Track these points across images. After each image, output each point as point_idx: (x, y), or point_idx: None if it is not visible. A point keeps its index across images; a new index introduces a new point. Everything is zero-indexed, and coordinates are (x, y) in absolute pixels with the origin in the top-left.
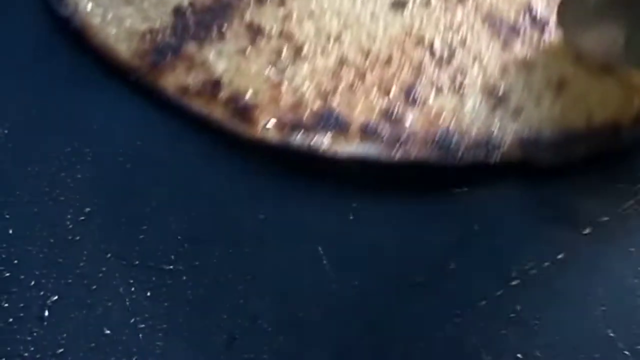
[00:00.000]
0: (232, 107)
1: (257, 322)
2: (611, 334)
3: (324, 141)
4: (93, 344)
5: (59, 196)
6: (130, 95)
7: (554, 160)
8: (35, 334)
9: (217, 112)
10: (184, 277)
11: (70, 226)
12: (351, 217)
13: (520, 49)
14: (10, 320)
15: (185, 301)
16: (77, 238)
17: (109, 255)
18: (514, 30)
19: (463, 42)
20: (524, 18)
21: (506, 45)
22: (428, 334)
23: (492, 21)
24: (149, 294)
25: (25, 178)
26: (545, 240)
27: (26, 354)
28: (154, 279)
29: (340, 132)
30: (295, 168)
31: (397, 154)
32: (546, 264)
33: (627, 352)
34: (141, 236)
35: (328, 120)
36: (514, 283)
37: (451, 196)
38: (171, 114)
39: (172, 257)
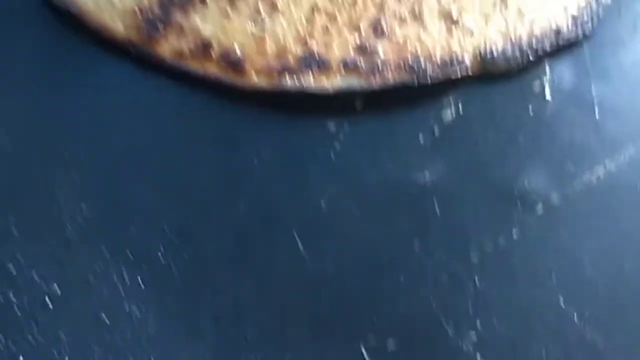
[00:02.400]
0: (224, 63)
1: (239, 303)
2: (562, 303)
3: (309, 81)
4: (92, 328)
5: (56, 195)
6: (129, 75)
7: (508, 68)
8: (40, 321)
9: (212, 69)
10: (172, 267)
11: (68, 225)
12: (323, 206)
13: None
14: (18, 311)
15: (173, 288)
16: (74, 236)
17: (103, 250)
18: None
19: None
20: None
21: None
22: (395, 309)
23: None
24: (140, 282)
25: (26, 180)
26: (501, 220)
27: (33, 340)
28: (145, 270)
29: (322, 71)
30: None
31: (376, 82)
32: (501, 240)
33: (575, 317)
34: (132, 232)
35: (310, 62)
36: (472, 260)
37: (414, 182)
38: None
39: (161, 249)
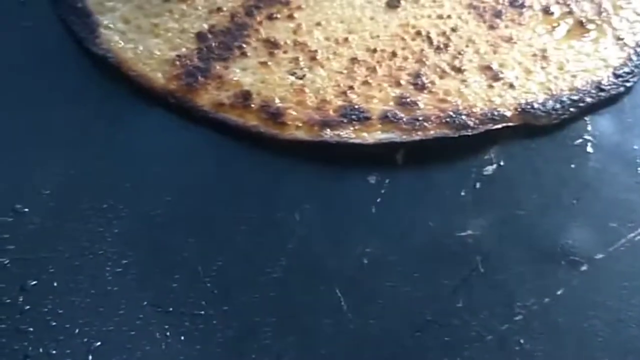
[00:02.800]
0: (264, 114)
1: None
2: None
3: (349, 133)
4: None
5: (98, 250)
6: (169, 125)
7: (549, 121)
8: None
9: (252, 120)
10: (214, 321)
11: (109, 277)
12: (365, 262)
13: (504, 29)
14: None
15: (215, 344)
16: (116, 288)
17: (145, 303)
18: (496, 12)
19: (454, 29)
20: (503, 1)
21: (492, 27)
22: None
23: (475, 8)
24: (182, 337)
25: (67, 235)
26: (545, 278)
27: None
28: (187, 323)
29: (362, 123)
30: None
31: (417, 135)
32: (546, 299)
33: None
34: (174, 284)
35: (350, 114)
36: (517, 318)
37: (457, 238)
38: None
39: (203, 302)
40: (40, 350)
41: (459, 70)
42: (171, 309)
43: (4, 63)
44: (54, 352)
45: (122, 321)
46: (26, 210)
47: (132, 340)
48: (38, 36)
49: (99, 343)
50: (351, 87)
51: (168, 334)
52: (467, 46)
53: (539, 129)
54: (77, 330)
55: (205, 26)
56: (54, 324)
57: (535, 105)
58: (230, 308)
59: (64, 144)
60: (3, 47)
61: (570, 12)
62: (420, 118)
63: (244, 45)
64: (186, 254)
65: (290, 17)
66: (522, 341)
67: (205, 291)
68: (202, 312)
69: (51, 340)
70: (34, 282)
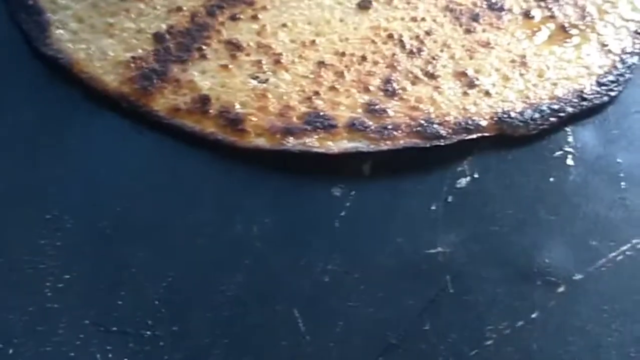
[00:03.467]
0: (223, 120)
1: None
2: None
3: (314, 142)
4: None
5: (39, 264)
6: (122, 130)
7: (527, 131)
8: None
9: (210, 127)
10: (162, 343)
11: (49, 294)
12: (326, 280)
13: (481, 33)
14: None
15: None
16: (56, 306)
17: (86, 321)
18: (473, 16)
19: (429, 33)
20: (481, 4)
21: (468, 31)
22: None
23: (452, 11)
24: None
25: (6, 246)
26: (519, 300)
27: None
28: (131, 345)
29: (328, 131)
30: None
31: (385, 145)
32: (520, 322)
33: None
34: (119, 302)
35: (315, 121)
36: (488, 343)
37: (425, 255)
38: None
39: (150, 322)
40: None
41: (432, 76)
42: (115, 329)
43: None
44: None
45: (61, 341)
46: None
47: None
48: None
49: None
50: (317, 93)
51: (110, 355)
52: (441, 51)
53: (517, 140)
54: (11, 351)
55: (164, 26)
56: None
57: (513, 115)
58: (179, 328)
59: (9, 149)
60: None
61: (552, 16)
62: (390, 127)
63: (204, 47)
64: (134, 269)
65: (255, 17)
66: None
67: (152, 310)
68: (149, 333)
69: None
70: None
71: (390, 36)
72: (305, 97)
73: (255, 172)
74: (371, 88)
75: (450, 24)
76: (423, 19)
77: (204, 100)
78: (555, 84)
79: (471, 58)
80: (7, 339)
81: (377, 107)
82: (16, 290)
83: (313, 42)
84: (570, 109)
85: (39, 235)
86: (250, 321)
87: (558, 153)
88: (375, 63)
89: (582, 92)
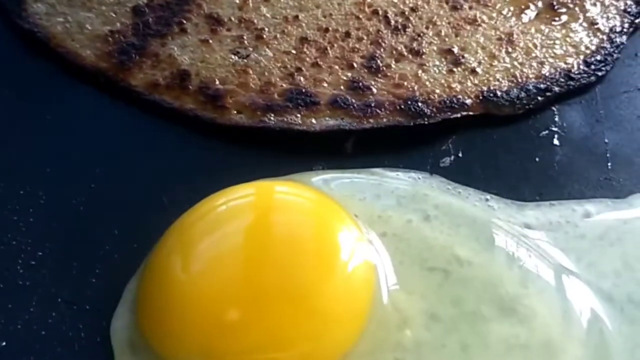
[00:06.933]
0: (203, 96)
1: None
2: None
3: (295, 119)
4: None
5: (11, 240)
6: (100, 105)
7: (513, 111)
8: None
9: (189, 103)
10: None
11: (21, 271)
12: None
13: (468, 10)
14: None
15: None
16: (28, 283)
17: (59, 300)
18: None
19: (414, 9)
20: None
21: (455, 8)
22: None
23: None
24: (98, 339)
25: None
26: None
27: None
28: (104, 323)
29: (310, 108)
30: None
31: (368, 123)
32: None
33: None
34: (92, 280)
35: (297, 98)
36: None
37: None
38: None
39: None
40: None
41: (417, 53)
42: (88, 307)
43: None
44: None
45: (32, 319)
46: None
47: (41, 341)
48: None
49: (4, 343)
50: (299, 69)
51: (82, 334)
52: (427, 28)
53: (502, 119)
54: None
55: None
56: None
57: (499, 94)
58: None
59: None
60: None
61: None
62: (373, 104)
63: (184, 21)
64: (108, 247)
65: None
66: None
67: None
68: None
69: None
70: None
71: (375, 12)
72: (287, 73)
73: (235, 150)
74: (355, 65)
75: (436, 1)
76: None
77: (184, 75)
78: (542, 63)
79: (457, 35)
80: None
81: (360, 84)
82: None
83: (296, 17)
84: (557, 89)
85: (11, 211)
86: None
87: (544, 133)
88: (360, 39)
89: (569, 71)
